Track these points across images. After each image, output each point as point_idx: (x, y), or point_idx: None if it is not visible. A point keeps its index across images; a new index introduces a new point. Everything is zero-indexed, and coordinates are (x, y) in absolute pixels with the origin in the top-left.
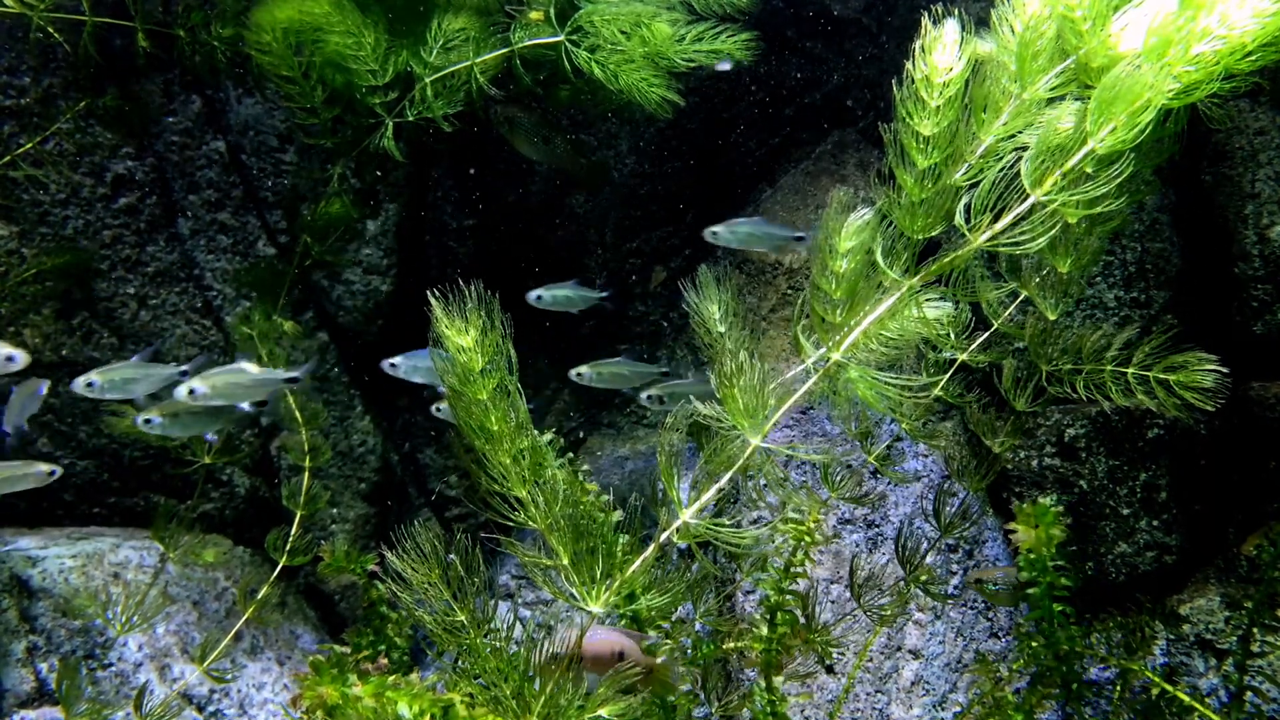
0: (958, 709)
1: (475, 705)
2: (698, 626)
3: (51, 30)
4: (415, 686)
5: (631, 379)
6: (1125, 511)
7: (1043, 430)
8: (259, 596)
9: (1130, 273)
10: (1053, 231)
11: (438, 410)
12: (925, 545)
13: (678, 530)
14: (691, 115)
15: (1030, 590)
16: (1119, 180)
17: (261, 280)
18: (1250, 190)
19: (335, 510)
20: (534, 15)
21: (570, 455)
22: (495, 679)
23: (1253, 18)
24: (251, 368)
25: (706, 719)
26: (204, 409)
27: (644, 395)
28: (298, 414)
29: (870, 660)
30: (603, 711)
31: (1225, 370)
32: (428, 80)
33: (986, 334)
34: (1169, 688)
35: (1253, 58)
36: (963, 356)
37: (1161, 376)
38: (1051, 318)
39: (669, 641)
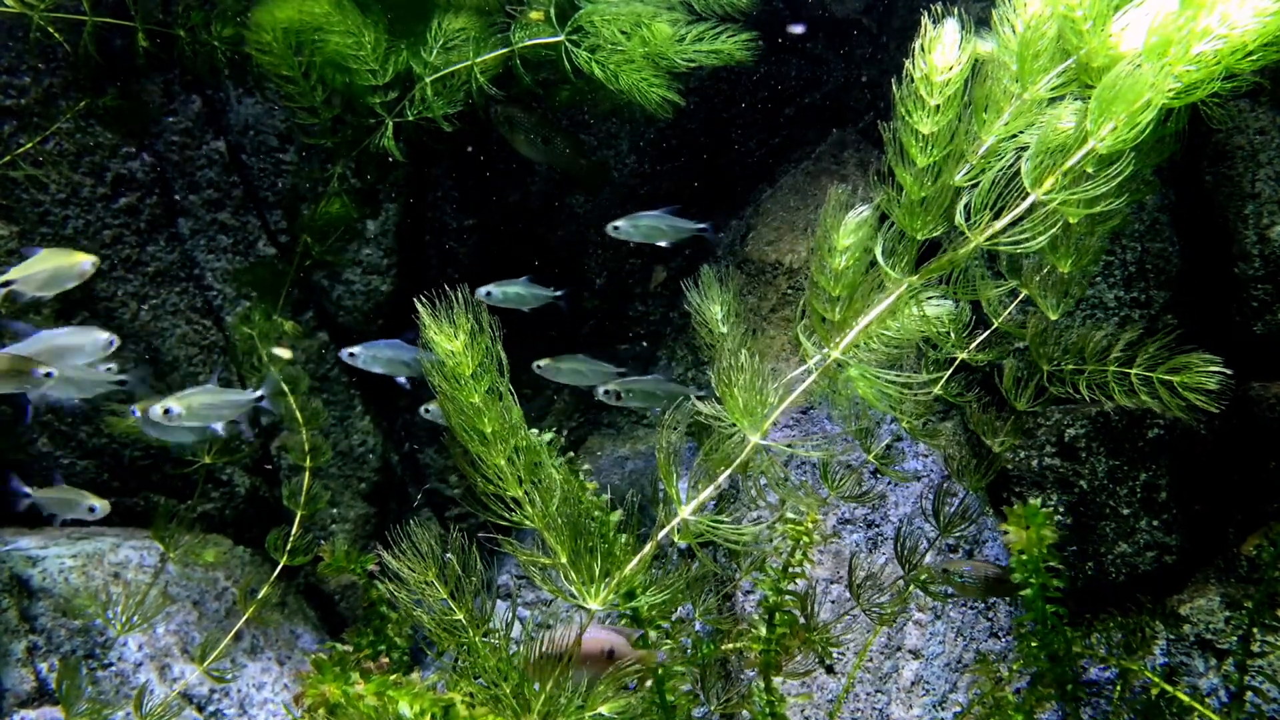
0: (958, 709)
1: (475, 704)
2: (697, 626)
3: (51, 30)
4: (416, 686)
5: (589, 376)
6: (1125, 511)
7: (1043, 430)
8: (259, 596)
9: (1130, 273)
10: (1053, 230)
11: (426, 412)
12: (924, 545)
13: (677, 528)
14: (691, 115)
15: (1024, 592)
16: (1119, 179)
17: (261, 280)
18: (1250, 190)
19: (335, 510)
20: (534, 15)
21: (571, 455)
22: (495, 678)
23: (1253, 17)
24: (228, 391)
25: (705, 718)
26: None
27: (600, 390)
28: (298, 414)
29: (870, 660)
30: (603, 709)
31: (1229, 372)
32: (428, 80)
33: (986, 333)
34: (1169, 688)
35: (1253, 57)
36: (963, 355)
37: (1165, 378)
38: (1053, 318)
39: (669, 640)
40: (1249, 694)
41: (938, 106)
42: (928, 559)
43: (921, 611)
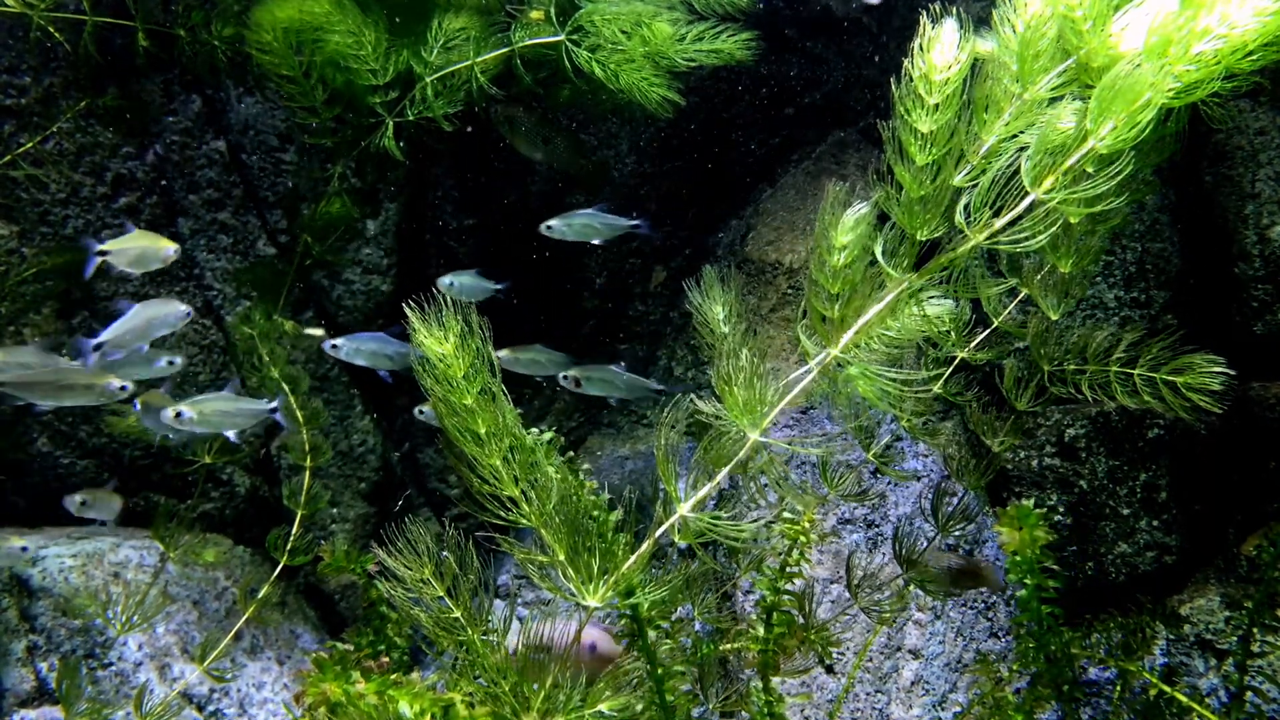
0: (957, 709)
1: (475, 703)
2: (697, 625)
3: (52, 30)
4: (416, 685)
5: (547, 365)
6: (1125, 511)
7: (1043, 430)
8: (259, 596)
9: (1130, 273)
10: (1053, 229)
11: (420, 413)
12: (923, 543)
13: (676, 525)
14: (692, 115)
15: (1019, 593)
16: (1119, 179)
17: (261, 280)
18: (1250, 190)
19: (335, 510)
20: (535, 15)
21: (570, 455)
22: (493, 676)
23: (1253, 17)
24: (242, 399)
25: (704, 717)
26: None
27: (562, 376)
28: (298, 413)
29: (870, 660)
30: (603, 707)
31: (1233, 372)
32: (428, 80)
33: (986, 332)
34: (1167, 688)
35: (1254, 57)
36: (963, 354)
37: (1169, 378)
38: (1054, 318)
39: (668, 640)
40: (1249, 694)
41: (936, 105)
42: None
43: (921, 611)
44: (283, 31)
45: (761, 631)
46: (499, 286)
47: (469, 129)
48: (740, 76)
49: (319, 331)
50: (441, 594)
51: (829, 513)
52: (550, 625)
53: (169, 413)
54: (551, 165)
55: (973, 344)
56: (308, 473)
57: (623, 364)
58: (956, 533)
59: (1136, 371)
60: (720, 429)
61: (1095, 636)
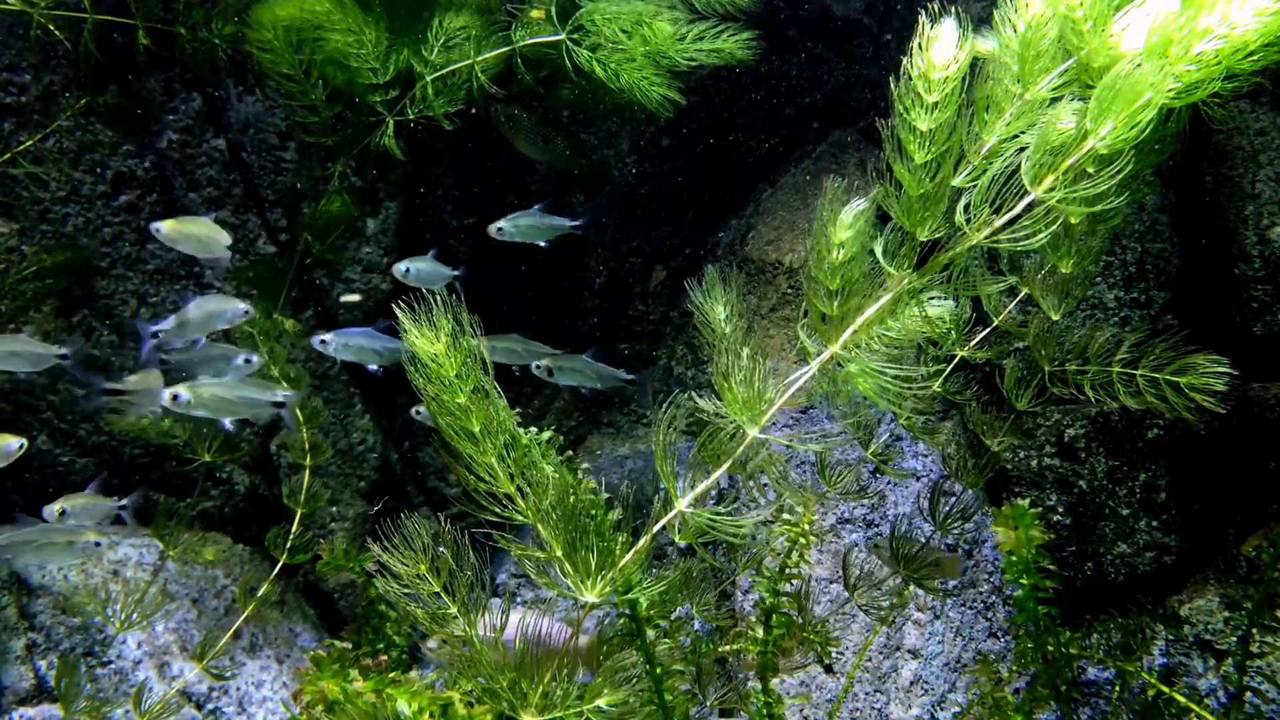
0: (957, 709)
1: (471, 696)
2: (696, 625)
3: (52, 28)
4: (415, 684)
5: (524, 355)
6: (1125, 512)
7: (1042, 430)
8: (258, 594)
9: (1130, 273)
10: (1053, 228)
11: (418, 414)
12: (924, 542)
13: (675, 522)
14: (692, 115)
15: (1016, 593)
16: (1119, 178)
17: (262, 278)
18: (1251, 191)
19: (335, 508)
20: (535, 14)
21: (570, 454)
22: (491, 670)
23: (1254, 17)
24: (246, 387)
25: (703, 716)
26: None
27: (534, 365)
28: (298, 412)
29: (869, 660)
30: (600, 702)
31: (1236, 373)
32: (429, 78)
33: (986, 331)
34: (1165, 689)
35: (1254, 57)
36: (963, 353)
37: (1171, 379)
38: (1055, 318)
39: (667, 639)
40: (1248, 695)
41: (935, 103)
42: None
43: (921, 611)
44: (283, 30)
45: (760, 633)
46: (456, 273)
47: (469, 128)
48: (741, 76)
49: (355, 298)
50: (438, 589)
51: (828, 512)
52: (497, 617)
53: (166, 394)
54: (551, 164)
55: (973, 343)
56: (307, 471)
57: (593, 352)
58: (955, 532)
59: (1139, 372)
60: (719, 426)
61: (1095, 637)
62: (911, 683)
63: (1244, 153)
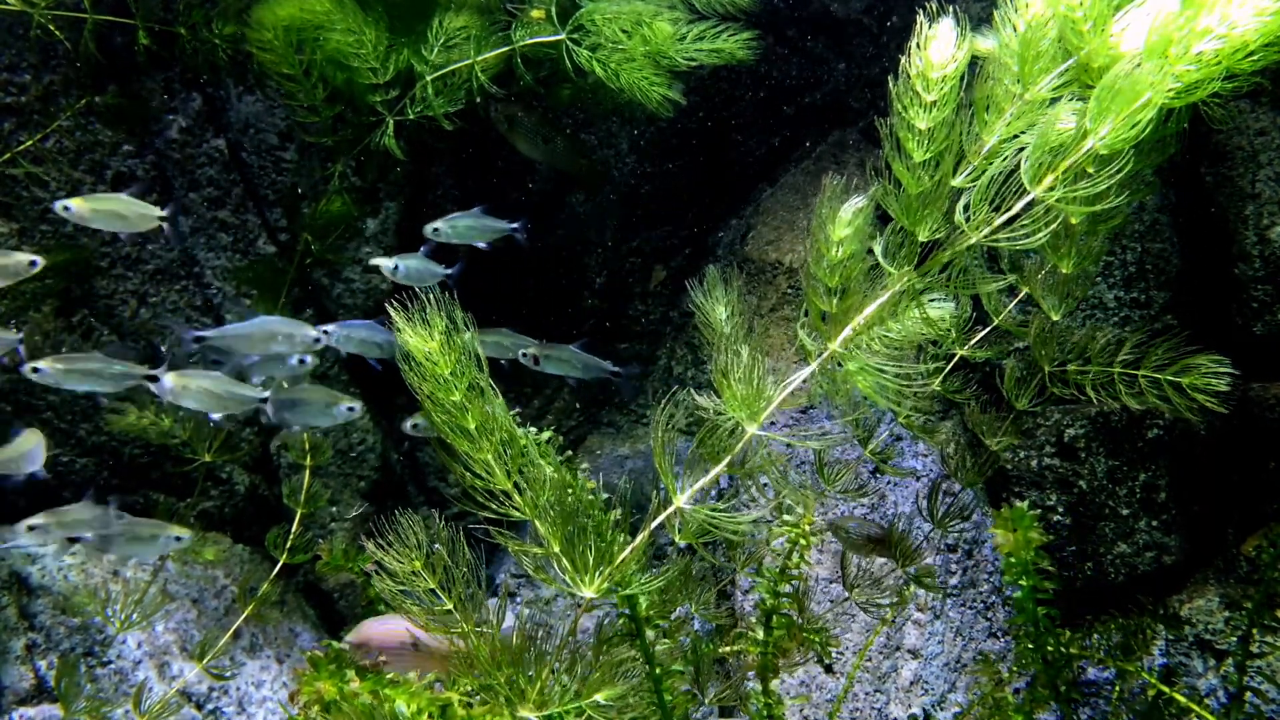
0: (957, 709)
1: (472, 700)
2: (696, 624)
3: (52, 28)
4: (413, 685)
5: (511, 350)
6: (1125, 512)
7: (1042, 430)
8: (258, 594)
9: (1130, 273)
10: (1053, 227)
11: (414, 427)
12: (922, 539)
13: (675, 521)
14: (692, 114)
15: (1015, 594)
16: (1119, 178)
17: (262, 278)
18: (1250, 191)
19: (335, 509)
20: (535, 14)
21: (569, 454)
22: (488, 667)
23: (1254, 17)
24: (236, 384)
25: (704, 716)
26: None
27: (521, 354)
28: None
29: (869, 660)
30: (598, 697)
31: (1238, 373)
32: (429, 78)
33: (986, 330)
34: (1166, 689)
35: (1254, 57)
36: (962, 351)
37: (1173, 379)
38: (1055, 318)
39: (666, 639)
40: (1248, 695)
41: (934, 102)
42: (927, 559)
43: (921, 611)
44: (283, 30)
45: (761, 634)
46: (449, 271)
47: (470, 128)
48: (741, 76)
49: (387, 262)
50: (434, 586)
51: (828, 512)
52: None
53: (157, 379)
54: (551, 164)
55: (972, 341)
56: (307, 471)
57: (581, 343)
58: (955, 531)
59: (1141, 372)
60: (718, 423)
61: (1095, 637)
62: (911, 683)
63: (1244, 153)
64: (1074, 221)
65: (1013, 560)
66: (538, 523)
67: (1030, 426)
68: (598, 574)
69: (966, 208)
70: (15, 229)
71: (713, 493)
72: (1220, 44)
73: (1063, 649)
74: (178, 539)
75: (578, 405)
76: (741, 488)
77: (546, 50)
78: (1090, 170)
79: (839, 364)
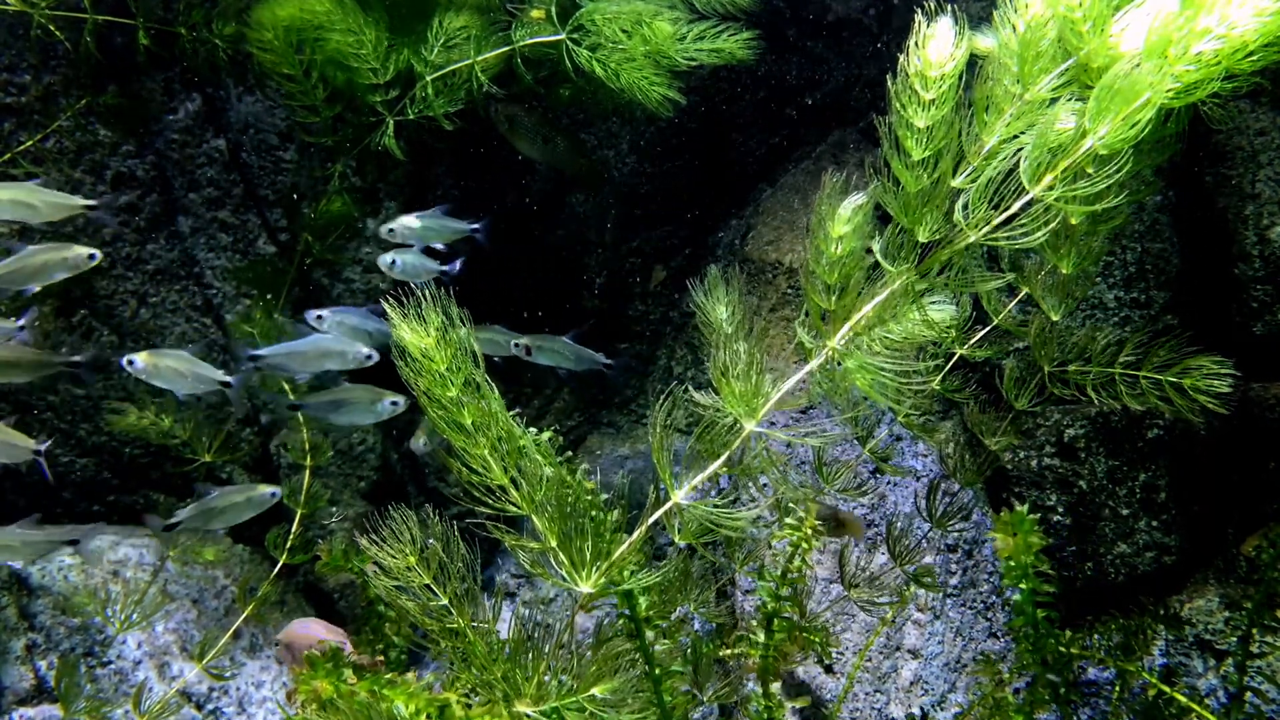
0: (957, 709)
1: (461, 687)
2: (696, 625)
3: (52, 28)
4: (412, 685)
5: (505, 346)
6: (1125, 512)
7: (1042, 430)
8: (258, 594)
9: (1130, 273)
10: (1052, 226)
11: (423, 446)
12: (920, 538)
13: (671, 513)
14: (692, 114)
15: (1015, 597)
16: (1118, 178)
17: (262, 278)
18: (1250, 191)
19: (335, 509)
20: (535, 14)
21: (570, 454)
22: (484, 663)
23: (1253, 17)
24: (201, 364)
25: (704, 717)
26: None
27: (513, 344)
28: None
29: (869, 660)
30: (595, 690)
31: (1239, 374)
32: (429, 78)
33: (985, 330)
34: (1166, 688)
35: (1254, 57)
36: (962, 350)
37: (1175, 380)
38: (1055, 318)
39: (666, 640)
40: (1248, 695)
41: (932, 100)
42: (927, 559)
43: (921, 611)
44: (283, 30)
45: (762, 637)
46: (445, 268)
47: (470, 128)
48: (741, 76)
49: (414, 222)
50: (428, 581)
51: None
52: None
53: (126, 358)
54: (551, 164)
55: (972, 341)
56: (307, 471)
57: (574, 335)
58: (955, 531)
59: (1143, 373)
60: (716, 419)
61: (1095, 637)
62: (911, 683)
63: (1244, 153)
64: (1074, 222)
65: (1012, 564)
66: (535, 517)
67: (1030, 426)
68: (594, 569)
69: (966, 207)
70: (15, 229)
71: (712, 492)
72: (1219, 44)
73: (1063, 649)
74: (273, 494)
75: (578, 406)
76: (740, 487)
77: (546, 50)
78: (1089, 170)
79: (838, 362)
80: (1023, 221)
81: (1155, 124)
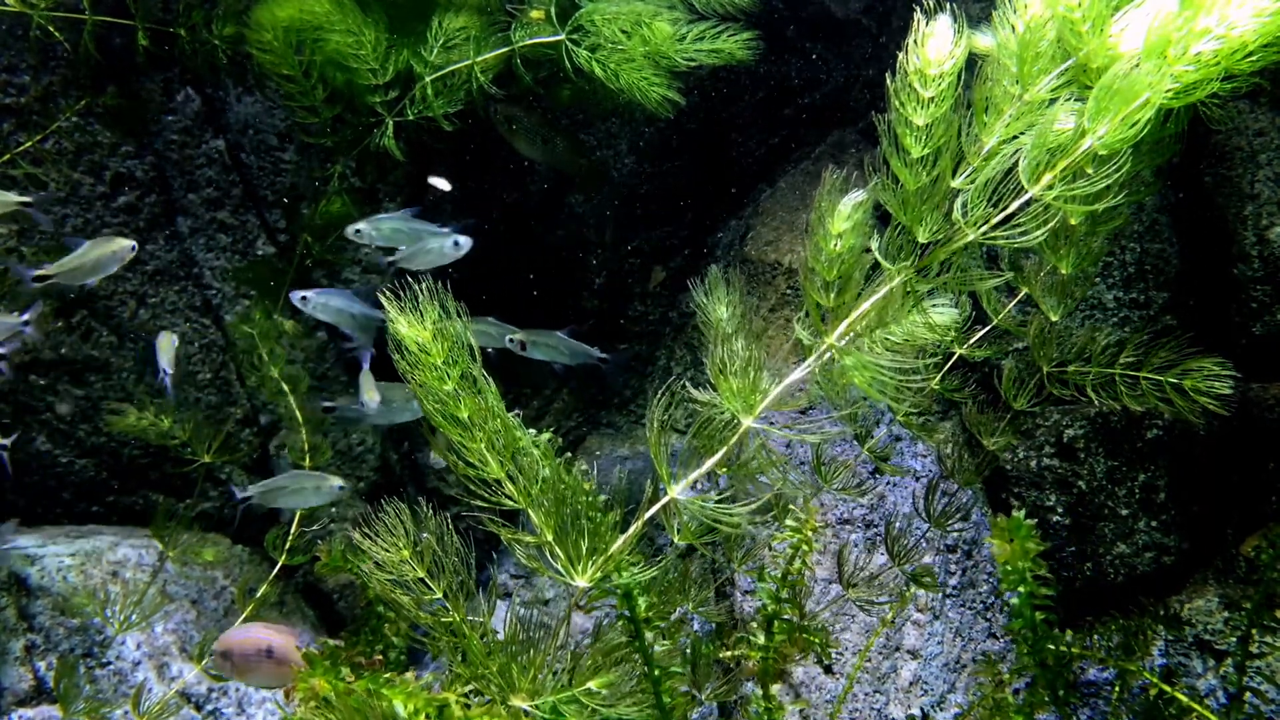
0: (956, 709)
1: (460, 686)
2: (695, 625)
3: (51, 29)
4: (410, 684)
5: (498, 339)
6: (1124, 512)
7: (1041, 431)
8: (258, 595)
9: (1130, 273)
10: (1050, 225)
11: (435, 462)
12: (919, 537)
13: (667, 507)
14: (691, 115)
15: (1013, 600)
16: (1117, 178)
17: (261, 278)
18: (1250, 191)
19: (334, 509)
20: (535, 14)
21: (569, 455)
22: (480, 658)
23: (1253, 17)
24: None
25: (704, 716)
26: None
27: (508, 339)
28: (298, 413)
29: (869, 660)
30: (591, 684)
31: (1240, 375)
32: (428, 79)
33: (985, 330)
34: (1167, 688)
35: (1253, 58)
36: (961, 350)
37: (1175, 381)
38: (1054, 319)
39: (666, 640)
40: (1247, 695)
41: (931, 99)
42: (927, 559)
43: (920, 612)
44: (283, 30)
45: (762, 639)
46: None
47: (469, 128)
48: (740, 76)
49: (443, 184)
50: (422, 575)
51: (828, 513)
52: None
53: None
54: (551, 165)
55: (971, 340)
56: None
57: (568, 330)
58: (954, 531)
59: (1143, 374)
60: (713, 415)
61: (1095, 638)
62: (911, 683)
63: (1243, 153)
64: (1073, 222)
65: (1010, 569)
66: (531, 511)
67: (1029, 427)
68: (590, 563)
69: (965, 206)
70: (15, 229)
71: (711, 493)
72: (1219, 44)
73: (1062, 651)
74: (340, 487)
75: (577, 406)
76: (738, 484)
77: (546, 51)
78: (1089, 170)
79: (837, 360)
80: (1022, 221)
81: (1154, 124)
